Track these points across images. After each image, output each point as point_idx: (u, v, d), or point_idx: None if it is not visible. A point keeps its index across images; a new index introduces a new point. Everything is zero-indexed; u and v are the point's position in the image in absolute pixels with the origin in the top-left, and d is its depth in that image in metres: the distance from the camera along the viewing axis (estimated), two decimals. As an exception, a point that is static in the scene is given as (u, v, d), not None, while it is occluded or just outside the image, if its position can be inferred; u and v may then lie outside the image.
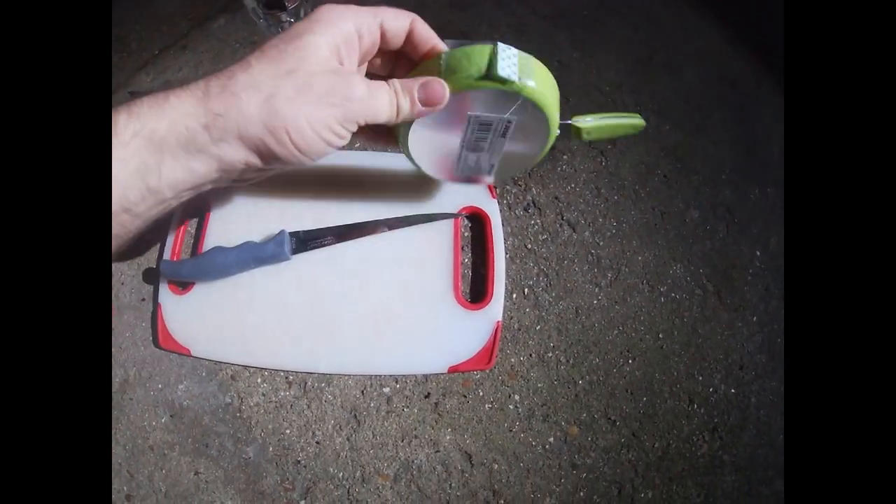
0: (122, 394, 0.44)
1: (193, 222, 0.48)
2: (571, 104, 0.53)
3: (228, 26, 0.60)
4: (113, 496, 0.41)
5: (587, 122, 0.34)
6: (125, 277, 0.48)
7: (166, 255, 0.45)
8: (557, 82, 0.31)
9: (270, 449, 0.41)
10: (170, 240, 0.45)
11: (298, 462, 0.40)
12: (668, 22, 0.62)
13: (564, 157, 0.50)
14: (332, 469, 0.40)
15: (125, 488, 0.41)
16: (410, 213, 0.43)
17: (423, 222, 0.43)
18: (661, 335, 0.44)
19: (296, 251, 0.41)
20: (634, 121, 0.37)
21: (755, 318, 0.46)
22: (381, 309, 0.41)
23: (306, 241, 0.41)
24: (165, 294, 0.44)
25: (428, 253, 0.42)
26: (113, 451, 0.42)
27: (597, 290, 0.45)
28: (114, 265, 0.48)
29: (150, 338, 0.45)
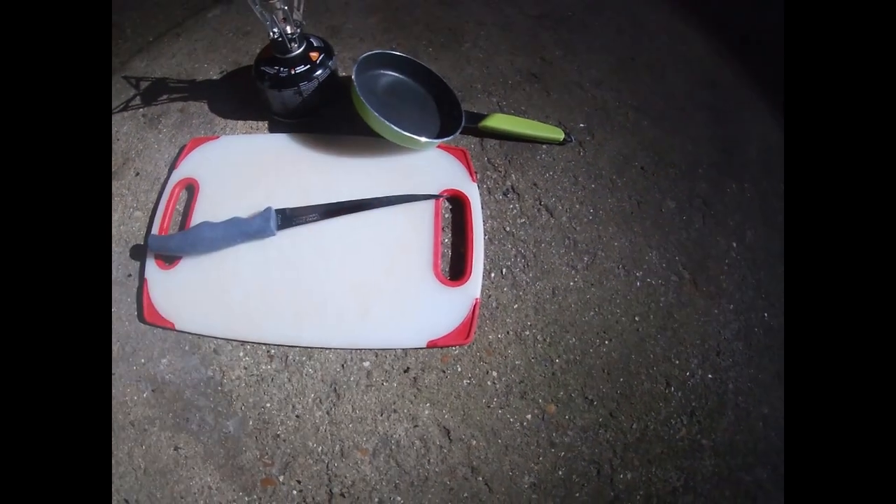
0: None
1: (182, 199, 0.51)
2: (552, 98, 0.58)
3: (223, 16, 0.64)
4: None
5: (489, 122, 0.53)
6: (113, 254, 0.50)
7: (154, 230, 0.48)
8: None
9: (251, 423, 0.43)
10: (158, 215, 0.48)
11: (278, 436, 0.42)
12: (651, 25, 0.67)
13: (543, 146, 0.54)
14: (311, 443, 0.42)
15: None
16: (393, 194, 0.46)
17: (405, 202, 0.46)
18: (637, 318, 0.47)
19: (281, 227, 0.44)
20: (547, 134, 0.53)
21: (732, 307, 0.49)
22: (363, 284, 0.44)
23: (292, 217, 0.44)
24: (152, 269, 0.46)
25: (410, 232, 0.46)
26: None
27: (573, 272, 0.48)
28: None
29: (136, 313, 0.47)
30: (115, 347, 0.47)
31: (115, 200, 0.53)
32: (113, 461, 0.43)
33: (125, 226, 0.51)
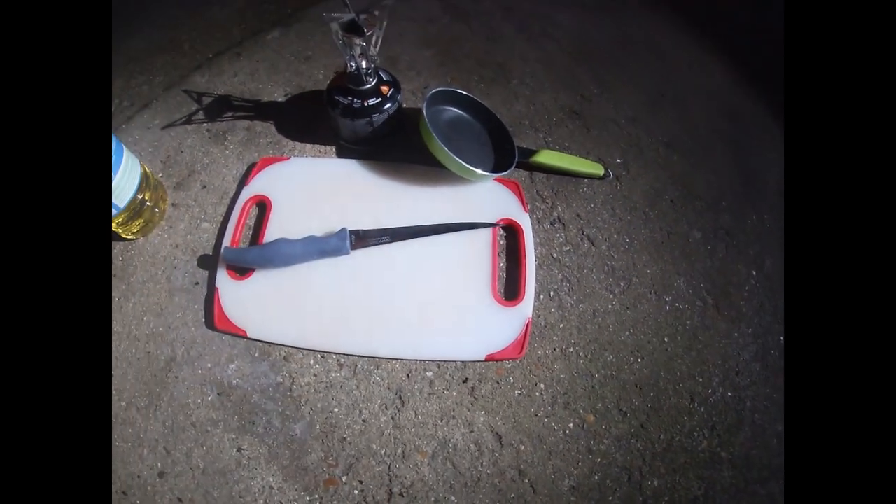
0: (167, 371, 0.50)
1: (252, 214, 0.57)
2: (592, 134, 0.65)
3: (282, 39, 0.70)
4: (144, 473, 0.46)
5: (539, 158, 0.60)
6: (179, 262, 0.55)
7: (226, 243, 0.53)
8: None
9: (318, 426, 0.48)
10: (229, 229, 0.54)
11: (344, 439, 0.48)
12: (678, 59, 0.75)
13: (585, 180, 0.61)
14: (375, 446, 0.47)
15: (159, 465, 0.47)
16: (456, 221, 0.53)
17: (467, 229, 0.53)
18: (665, 339, 0.54)
19: (355, 247, 0.50)
20: (589, 169, 0.60)
21: (750, 331, 0.56)
22: (428, 302, 0.50)
23: (365, 238, 0.50)
24: (223, 279, 0.51)
25: (470, 256, 0.52)
26: (151, 427, 0.48)
27: (611, 296, 0.55)
28: (169, 250, 0.56)
29: (202, 319, 0.52)
30: (178, 351, 0.51)
31: (182, 210, 0.58)
32: (169, 461, 0.48)
33: (192, 236, 0.56)
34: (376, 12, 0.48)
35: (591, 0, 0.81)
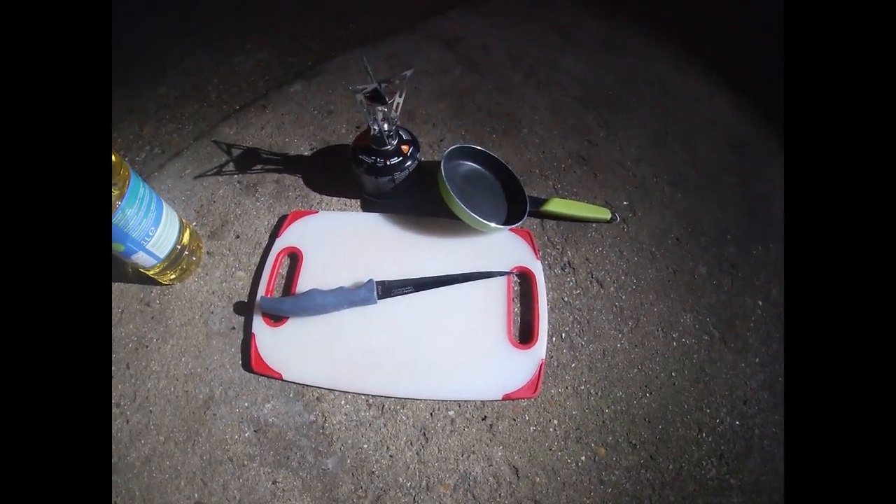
0: (205, 409, 0.58)
1: (284, 264, 0.65)
2: (599, 179, 0.73)
3: (305, 92, 0.79)
4: (181, 503, 0.54)
5: (549, 206, 0.67)
6: (215, 308, 0.64)
7: (261, 293, 0.61)
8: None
9: (348, 461, 0.56)
10: (264, 278, 0.62)
11: (372, 473, 0.55)
12: (682, 93, 0.82)
13: (593, 225, 0.69)
14: (401, 479, 0.55)
15: (196, 495, 0.54)
16: (473, 271, 0.61)
17: (483, 278, 0.61)
18: (673, 373, 0.61)
19: (381, 297, 0.58)
20: (597, 214, 0.68)
21: (757, 360, 0.62)
22: (449, 346, 0.58)
23: (390, 289, 0.59)
24: (259, 325, 0.60)
25: (486, 303, 0.60)
26: (189, 461, 0.55)
27: (620, 335, 0.62)
28: (205, 296, 0.64)
29: (239, 362, 0.60)
30: (217, 391, 0.59)
31: (217, 259, 0.66)
32: (206, 492, 0.55)
33: (227, 283, 0.65)
34: (397, 81, 0.56)
35: (596, 40, 0.89)
